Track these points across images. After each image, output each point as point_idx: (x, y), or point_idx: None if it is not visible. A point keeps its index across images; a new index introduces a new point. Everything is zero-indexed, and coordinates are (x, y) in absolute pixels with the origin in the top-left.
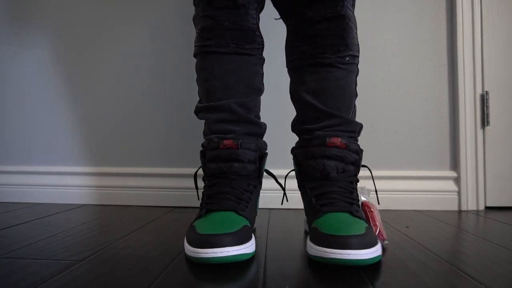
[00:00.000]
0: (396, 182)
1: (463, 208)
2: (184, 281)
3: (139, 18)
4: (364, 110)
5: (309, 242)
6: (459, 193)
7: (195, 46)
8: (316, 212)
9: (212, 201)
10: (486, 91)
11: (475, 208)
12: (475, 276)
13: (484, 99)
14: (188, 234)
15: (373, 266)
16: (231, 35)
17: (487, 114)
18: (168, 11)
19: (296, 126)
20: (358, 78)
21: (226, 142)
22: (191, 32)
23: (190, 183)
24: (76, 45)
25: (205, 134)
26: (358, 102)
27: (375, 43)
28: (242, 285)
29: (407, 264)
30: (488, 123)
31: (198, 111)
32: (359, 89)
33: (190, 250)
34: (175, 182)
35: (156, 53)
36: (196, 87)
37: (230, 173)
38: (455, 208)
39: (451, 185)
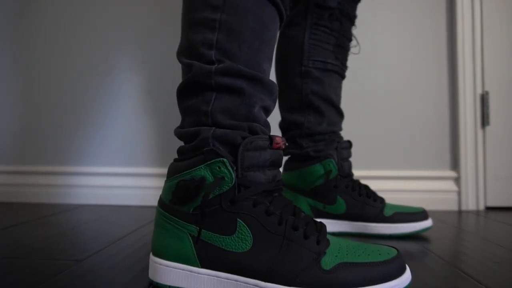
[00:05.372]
0: (396, 182)
1: (463, 208)
2: None
3: (132, 15)
4: (364, 110)
5: (396, 225)
6: (459, 193)
7: None
8: (381, 201)
9: (314, 227)
10: (486, 91)
11: (475, 208)
12: (475, 276)
13: (484, 99)
14: (358, 275)
15: None
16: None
17: (487, 114)
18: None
19: (321, 125)
20: (357, 77)
21: (278, 139)
22: None
23: None
24: (72, 43)
25: (220, 113)
26: (358, 102)
27: (375, 43)
28: None
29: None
30: (488, 123)
31: (223, 72)
32: (359, 88)
33: (393, 285)
34: None
35: (156, 52)
36: None
37: (277, 183)
38: (455, 208)
39: (451, 185)
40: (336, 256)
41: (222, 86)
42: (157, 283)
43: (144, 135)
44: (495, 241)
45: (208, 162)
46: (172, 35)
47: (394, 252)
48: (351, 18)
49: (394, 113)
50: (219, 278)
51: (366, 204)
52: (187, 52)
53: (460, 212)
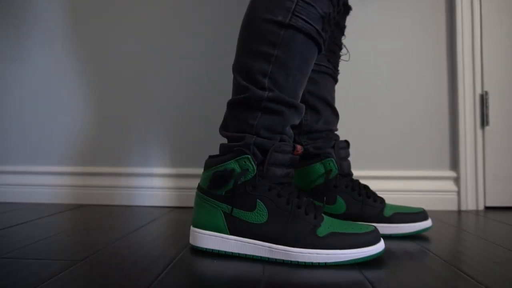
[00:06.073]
0: (396, 182)
1: (463, 208)
2: (184, 281)
3: (139, 17)
4: (364, 110)
5: (396, 225)
6: (458, 193)
7: (297, 15)
8: (381, 201)
9: (313, 207)
10: (486, 91)
11: (474, 208)
12: (475, 276)
13: (483, 99)
14: (343, 241)
15: (373, 266)
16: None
17: (487, 114)
18: (166, 10)
19: (317, 123)
20: (357, 77)
21: (299, 148)
22: (193, 32)
23: (190, 183)
24: (74, 44)
25: (262, 128)
26: (358, 102)
27: (374, 43)
28: (242, 285)
29: (407, 264)
30: (487, 123)
31: (271, 99)
32: (359, 88)
33: (369, 250)
34: (175, 182)
35: (156, 52)
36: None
37: (290, 178)
38: (455, 208)
39: (450, 185)
40: (328, 227)
41: (268, 109)
42: (197, 246)
43: (144, 136)
44: (495, 241)
45: (237, 158)
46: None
47: (371, 228)
48: (341, 28)
49: (394, 113)
50: (243, 242)
51: (366, 204)
52: (245, 74)
53: (459, 212)
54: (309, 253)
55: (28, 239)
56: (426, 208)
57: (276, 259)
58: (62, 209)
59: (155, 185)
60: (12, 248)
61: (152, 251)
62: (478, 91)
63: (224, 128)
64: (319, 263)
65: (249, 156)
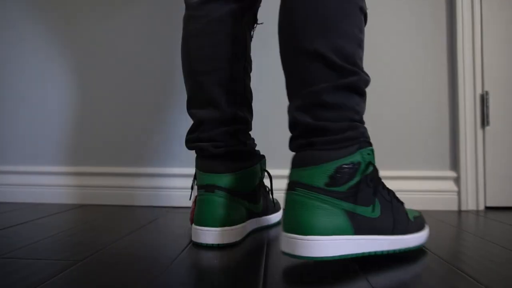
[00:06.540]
0: (396, 182)
1: (463, 208)
2: (184, 281)
3: (138, 16)
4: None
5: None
6: (459, 193)
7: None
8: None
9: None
10: (486, 91)
11: (475, 208)
12: (475, 276)
13: (484, 99)
14: (418, 223)
15: (373, 266)
16: None
17: (487, 114)
18: (158, 10)
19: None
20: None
21: None
22: None
23: (190, 183)
24: (73, 45)
25: (362, 116)
26: None
27: (374, 43)
28: (242, 284)
29: (407, 264)
30: (488, 123)
31: (368, 83)
32: None
33: (426, 232)
34: (175, 182)
35: (155, 52)
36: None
37: None
38: (455, 208)
39: (451, 185)
40: (409, 213)
41: (365, 95)
42: (321, 257)
43: (144, 136)
44: (495, 241)
45: (361, 150)
46: None
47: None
48: None
49: (394, 113)
50: (366, 240)
51: None
52: (345, 57)
53: (459, 212)
54: (412, 238)
55: (28, 239)
56: (426, 208)
57: (394, 250)
58: (62, 209)
59: (155, 185)
60: (12, 248)
61: (152, 251)
62: (478, 91)
63: (323, 120)
64: (414, 246)
65: (372, 148)
